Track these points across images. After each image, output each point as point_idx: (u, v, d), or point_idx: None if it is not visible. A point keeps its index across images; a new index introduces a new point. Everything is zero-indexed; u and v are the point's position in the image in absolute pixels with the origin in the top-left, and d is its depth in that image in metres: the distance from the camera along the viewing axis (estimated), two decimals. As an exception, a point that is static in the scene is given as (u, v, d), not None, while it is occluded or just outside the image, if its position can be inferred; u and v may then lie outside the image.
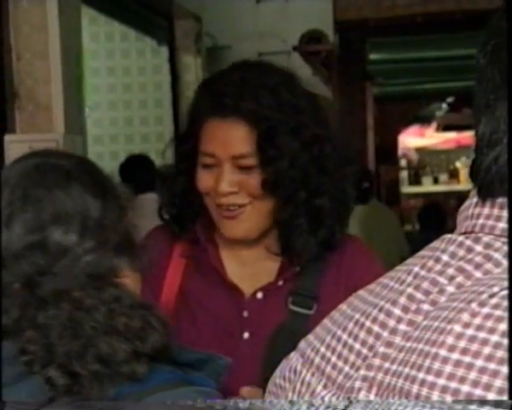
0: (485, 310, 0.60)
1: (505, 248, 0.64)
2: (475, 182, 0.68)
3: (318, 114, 1.64)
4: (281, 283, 1.61)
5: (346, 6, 5.81)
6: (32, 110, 3.81)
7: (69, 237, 1.16)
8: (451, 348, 0.60)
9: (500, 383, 0.57)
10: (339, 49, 5.74)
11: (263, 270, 1.64)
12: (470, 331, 0.60)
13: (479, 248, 0.66)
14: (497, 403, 0.55)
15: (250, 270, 1.65)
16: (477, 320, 0.60)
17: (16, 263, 1.15)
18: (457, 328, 0.60)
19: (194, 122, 1.61)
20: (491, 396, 0.57)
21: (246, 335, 1.58)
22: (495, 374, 0.57)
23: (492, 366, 0.57)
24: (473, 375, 0.58)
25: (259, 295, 1.61)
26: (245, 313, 1.60)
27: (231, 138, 1.56)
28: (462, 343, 0.59)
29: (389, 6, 5.60)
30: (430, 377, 0.60)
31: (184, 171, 1.64)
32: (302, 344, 0.77)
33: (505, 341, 0.57)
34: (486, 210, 0.66)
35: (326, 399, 0.69)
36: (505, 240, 0.64)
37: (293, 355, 0.77)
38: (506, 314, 0.59)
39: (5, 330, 1.12)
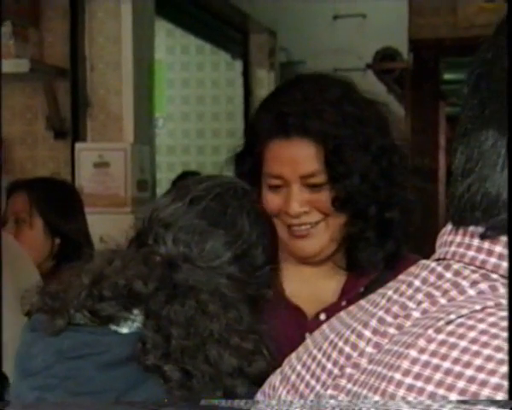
0: (441, 337, 0.60)
1: (472, 276, 0.64)
2: (450, 209, 0.68)
3: (383, 124, 1.61)
4: (344, 303, 1.55)
5: (422, 25, 5.77)
6: (104, 119, 3.90)
7: (225, 251, 1.28)
8: (406, 373, 0.60)
9: (448, 409, 0.57)
10: (413, 68, 5.69)
11: (325, 289, 1.61)
12: (424, 357, 0.60)
13: (448, 275, 0.66)
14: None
15: (311, 289, 1.62)
16: (432, 346, 0.60)
17: (164, 242, 1.27)
18: (413, 353, 0.61)
19: (256, 142, 1.58)
20: (439, 423, 0.57)
21: None
22: (444, 400, 0.57)
23: (441, 391, 0.58)
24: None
25: (322, 316, 1.56)
26: (308, 336, 1.51)
27: (299, 158, 1.52)
28: (416, 368, 0.60)
29: (465, 26, 5.54)
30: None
31: None
32: (285, 361, 0.78)
33: (456, 367, 0.58)
34: (458, 238, 0.67)
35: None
36: (474, 268, 0.64)
37: (277, 371, 0.79)
38: (459, 342, 0.59)
39: (138, 297, 1.21)
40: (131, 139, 3.81)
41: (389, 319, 0.67)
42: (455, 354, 0.58)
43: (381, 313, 0.68)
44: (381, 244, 1.57)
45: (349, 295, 1.56)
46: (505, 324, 0.58)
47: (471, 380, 0.56)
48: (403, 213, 1.58)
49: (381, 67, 5.62)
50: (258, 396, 0.79)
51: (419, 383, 0.59)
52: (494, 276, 0.63)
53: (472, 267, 0.65)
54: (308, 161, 1.52)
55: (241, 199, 1.37)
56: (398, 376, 0.61)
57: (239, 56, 5.67)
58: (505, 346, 0.56)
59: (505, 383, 0.54)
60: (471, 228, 0.65)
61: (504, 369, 0.55)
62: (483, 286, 0.63)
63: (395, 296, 0.69)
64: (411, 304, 0.66)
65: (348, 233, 1.56)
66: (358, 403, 0.62)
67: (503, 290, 0.62)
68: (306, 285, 1.62)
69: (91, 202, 3.04)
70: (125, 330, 1.22)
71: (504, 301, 0.61)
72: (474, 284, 0.64)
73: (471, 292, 0.63)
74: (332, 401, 0.67)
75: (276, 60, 5.68)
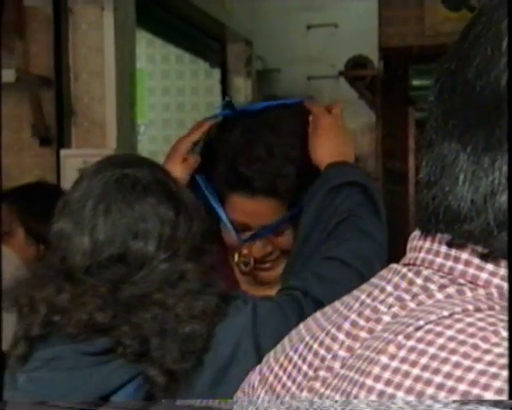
0: (410, 343, 0.59)
1: (441, 281, 0.63)
2: (417, 216, 0.67)
3: None
4: None
5: (391, 34, 5.77)
6: (88, 127, 3.87)
7: (147, 250, 1.24)
8: (377, 379, 0.59)
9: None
10: (383, 75, 5.69)
11: None
12: (395, 363, 0.59)
13: (419, 281, 0.65)
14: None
15: (267, 294, 1.62)
16: (402, 353, 0.59)
17: (100, 272, 1.23)
18: (384, 359, 0.60)
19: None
20: (409, 427, 0.56)
21: None
22: (414, 406, 0.56)
23: (411, 398, 0.57)
24: (394, 407, 0.57)
25: None
26: None
27: (263, 212, 1.50)
28: (386, 374, 0.59)
29: (432, 34, 5.54)
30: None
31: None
32: (264, 360, 0.77)
33: (425, 374, 0.57)
34: (427, 244, 0.66)
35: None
36: (442, 274, 0.64)
37: (256, 370, 0.77)
38: (428, 348, 0.58)
39: (101, 327, 1.20)
40: (114, 145, 3.79)
41: (361, 322, 0.66)
42: (424, 360, 0.57)
43: (353, 316, 0.67)
44: None
45: None
46: (472, 330, 0.57)
47: (440, 387, 0.55)
48: None
49: (352, 75, 5.61)
50: (238, 394, 0.78)
51: (390, 390, 0.58)
52: (461, 281, 0.63)
53: (441, 273, 0.64)
54: (272, 214, 1.50)
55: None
56: (369, 381, 0.60)
57: (217, 65, 5.65)
58: (473, 353, 0.56)
59: (473, 391, 0.53)
60: (438, 235, 0.65)
61: (472, 376, 0.54)
62: (450, 290, 0.63)
63: (368, 300, 0.68)
64: (382, 307, 0.66)
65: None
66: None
67: (470, 294, 0.62)
68: (262, 290, 1.60)
69: (76, 207, 3.00)
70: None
71: (471, 307, 0.60)
72: (441, 287, 0.63)
73: (439, 296, 0.63)
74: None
75: (252, 68, 5.66)
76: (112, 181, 1.28)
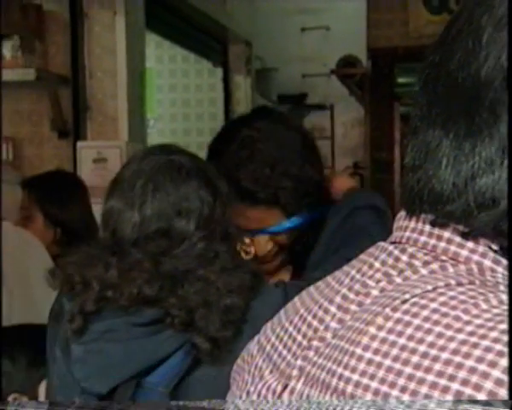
0: (397, 315, 0.58)
1: (425, 258, 0.62)
2: (403, 198, 0.66)
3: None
4: None
5: (378, 35, 5.77)
6: (101, 121, 3.86)
7: (188, 227, 1.26)
8: (366, 348, 0.58)
9: (403, 382, 0.55)
10: (371, 73, 5.68)
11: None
12: (382, 334, 0.58)
13: (404, 257, 0.64)
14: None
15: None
16: (389, 324, 0.58)
17: (146, 243, 1.25)
18: (372, 330, 0.59)
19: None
20: (395, 393, 0.55)
21: None
22: (399, 373, 0.55)
23: (398, 366, 0.56)
24: (381, 373, 0.56)
25: None
26: None
27: (265, 219, 1.50)
28: (374, 344, 0.58)
29: (416, 36, 5.53)
30: (346, 373, 0.59)
31: None
32: (262, 331, 0.76)
33: (411, 344, 0.56)
34: (412, 224, 0.65)
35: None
36: (426, 251, 0.63)
37: (255, 340, 0.76)
38: (413, 320, 0.57)
39: (149, 299, 1.21)
40: (126, 138, 3.78)
41: (352, 296, 0.65)
42: (409, 331, 0.57)
43: (344, 290, 0.66)
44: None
45: None
46: (454, 303, 0.56)
47: (424, 355, 0.54)
48: None
49: (343, 73, 5.59)
50: (239, 362, 0.78)
51: (377, 358, 0.57)
52: (444, 258, 0.62)
53: (424, 251, 0.63)
54: (273, 220, 1.51)
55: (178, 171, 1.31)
56: (358, 351, 0.59)
57: (219, 64, 5.62)
58: (455, 324, 0.55)
59: (455, 359, 0.53)
60: (422, 215, 0.64)
61: (453, 345, 0.53)
62: (434, 266, 0.62)
63: (358, 276, 0.67)
64: (371, 282, 0.64)
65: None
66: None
67: (452, 270, 0.61)
68: None
69: (91, 194, 3.01)
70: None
71: (453, 281, 0.59)
72: (425, 264, 0.62)
73: (423, 271, 0.62)
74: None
75: (251, 67, 5.64)
76: (160, 164, 1.29)
